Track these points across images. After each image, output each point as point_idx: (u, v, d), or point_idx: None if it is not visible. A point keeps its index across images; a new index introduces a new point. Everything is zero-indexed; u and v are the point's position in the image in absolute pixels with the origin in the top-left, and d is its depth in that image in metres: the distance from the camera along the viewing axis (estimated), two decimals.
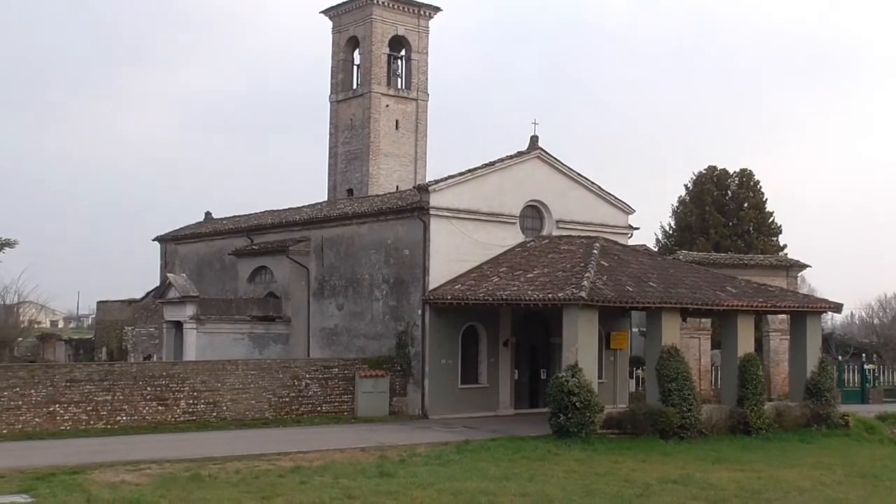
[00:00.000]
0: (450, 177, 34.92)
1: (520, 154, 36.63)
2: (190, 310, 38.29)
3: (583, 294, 28.13)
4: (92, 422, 28.97)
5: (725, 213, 56.99)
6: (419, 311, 33.91)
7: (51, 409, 28.47)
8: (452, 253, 34.03)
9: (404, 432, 29.15)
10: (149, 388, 30.09)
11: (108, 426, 29.05)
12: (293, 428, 30.23)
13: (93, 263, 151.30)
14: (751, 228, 56.46)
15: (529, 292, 30.34)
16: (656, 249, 52.04)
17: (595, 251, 32.10)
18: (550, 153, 37.20)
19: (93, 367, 31.59)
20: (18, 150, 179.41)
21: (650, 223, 77.93)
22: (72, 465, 21.43)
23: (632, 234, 40.08)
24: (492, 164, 35.77)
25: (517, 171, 36.44)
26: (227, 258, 44.69)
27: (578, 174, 38.09)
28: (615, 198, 39.24)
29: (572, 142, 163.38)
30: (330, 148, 56.61)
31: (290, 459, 23.02)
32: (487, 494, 18.48)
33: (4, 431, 27.46)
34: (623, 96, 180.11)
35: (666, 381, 29.10)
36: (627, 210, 39.69)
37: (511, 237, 35.76)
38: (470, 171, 35.23)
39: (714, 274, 34.92)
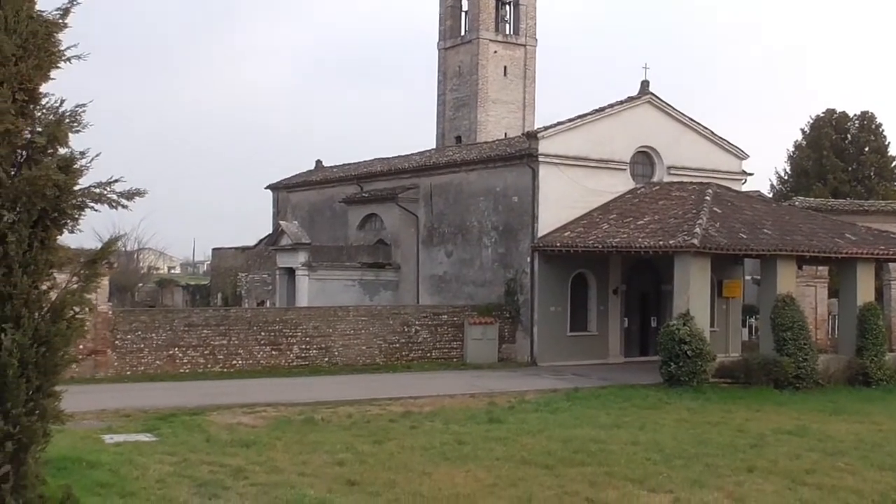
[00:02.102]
0: (559, 123, 34.54)
1: (630, 99, 36.01)
2: (302, 256, 38.91)
3: (695, 241, 27.65)
4: (209, 365, 29.78)
5: (844, 157, 55.12)
6: (528, 259, 33.82)
7: (170, 352, 29.34)
8: (561, 200, 33.72)
9: (513, 379, 29.23)
10: (263, 333, 30.75)
11: (225, 370, 29.84)
12: (403, 373, 30.58)
13: (208, 211, 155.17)
14: (871, 173, 54.54)
15: (640, 239, 29.94)
16: (771, 196, 50.79)
17: (707, 197, 31.46)
18: (662, 98, 36.49)
19: (209, 312, 32.43)
20: (135, 102, 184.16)
21: (765, 169, 76.27)
22: (191, 406, 22.07)
23: (745, 181, 39.15)
24: (601, 109, 35.26)
25: (627, 116, 35.84)
26: (338, 206, 45.18)
27: (690, 119, 37.30)
28: (728, 143, 38.33)
29: (684, 86, 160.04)
30: (438, 95, 56.56)
31: (400, 404, 23.29)
32: (598, 442, 18.40)
33: (128, 373, 28.44)
34: (737, 38, 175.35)
35: (781, 329, 28.48)
36: (741, 155, 38.76)
37: (621, 184, 35.28)
38: (579, 117, 34.77)
39: (832, 220, 33.89)
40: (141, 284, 64.99)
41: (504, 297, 34.70)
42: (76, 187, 5.92)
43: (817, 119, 56.93)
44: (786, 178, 57.21)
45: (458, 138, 54.18)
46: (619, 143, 35.37)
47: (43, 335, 5.75)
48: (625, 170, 35.60)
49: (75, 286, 5.96)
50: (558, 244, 32.61)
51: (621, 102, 35.78)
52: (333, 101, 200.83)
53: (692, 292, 27.85)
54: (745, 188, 38.60)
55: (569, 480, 15.08)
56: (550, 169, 33.72)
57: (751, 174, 39.35)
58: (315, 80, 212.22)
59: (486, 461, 16.44)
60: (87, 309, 6.00)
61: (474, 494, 14.03)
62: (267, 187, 54.23)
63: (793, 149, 57.54)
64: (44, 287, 5.80)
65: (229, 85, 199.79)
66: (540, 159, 33.49)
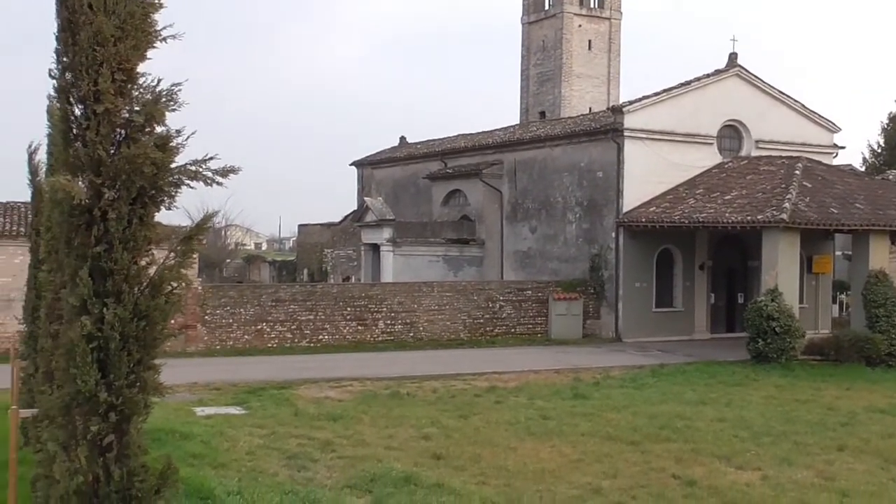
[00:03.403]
0: (644, 97, 34.15)
1: (717, 72, 35.42)
2: (386, 232, 39.19)
3: (784, 216, 27.18)
4: (296, 340, 30.25)
5: None
6: (613, 234, 33.60)
7: (258, 327, 29.85)
8: (647, 175, 33.36)
9: (598, 355, 29.15)
10: (349, 309, 31.08)
11: (311, 344, 30.27)
12: (488, 349, 30.70)
13: (294, 188, 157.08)
14: None
15: (727, 215, 29.54)
16: (863, 169, 49.58)
17: (797, 171, 30.85)
18: (750, 70, 35.80)
19: (296, 287, 32.91)
20: (222, 80, 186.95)
21: (857, 142, 74.32)
22: (279, 380, 22.50)
23: (837, 154, 38.34)
24: (688, 83, 34.75)
25: (714, 90, 35.26)
26: (422, 182, 45.34)
27: (780, 92, 36.55)
28: (819, 116, 37.49)
29: (775, 58, 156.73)
30: (522, 70, 56.30)
31: (485, 379, 23.42)
32: (683, 419, 18.28)
33: (217, 347, 29.04)
34: (829, 7, 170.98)
35: (873, 306, 27.90)
36: (832, 128, 37.89)
37: (708, 158, 34.76)
38: (665, 90, 34.34)
39: None
40: (228, 260, 66.24)
41: (588, 272, 34.54)
42: (173, 165, 6.06)
43: None
44: (879, 151, 55.76)
45: (542, 113, 53.88)
46: (705, 116, 34.83)
47: (143, 309, 5.92)
48: (711, 144, 35.07)
49: (172, 262, 6.12)
50: (643, 219, 32.33)
51: (708, 75, 35.25)
52: (417, 77, 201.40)
53: (781, 268, 27.42)
54: (836, 162, 37.79)
55: (655, 456, 15.03)
56: (635, 143, 33.38)
57: (843, 147, 38.54)
58: (398, 57, 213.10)
59: (572, 436, 16.46)
60: (184, 284, 6.17)
61: (559, 469, 14.07)
62: (352, 164, 54.62)
63: (887, 121, 56.03)
64: (143, 263, 5.97)
65: (314, 62, 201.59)
66: (625, 134, 33.18)
